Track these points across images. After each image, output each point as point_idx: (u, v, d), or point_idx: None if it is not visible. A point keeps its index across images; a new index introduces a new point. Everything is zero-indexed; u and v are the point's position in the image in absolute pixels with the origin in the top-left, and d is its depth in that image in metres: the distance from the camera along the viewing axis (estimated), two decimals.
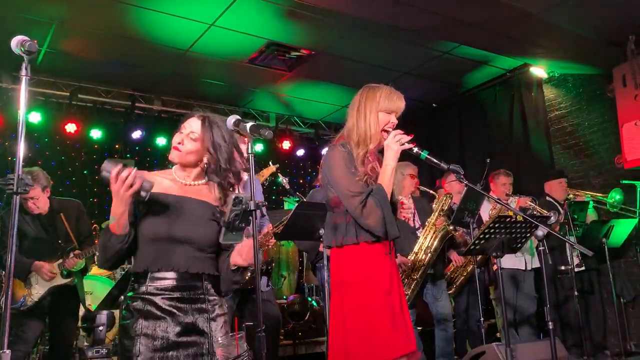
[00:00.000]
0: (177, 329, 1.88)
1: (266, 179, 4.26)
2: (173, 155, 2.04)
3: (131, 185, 1.82)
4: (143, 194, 1.86)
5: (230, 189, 2.09)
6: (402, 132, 2.35)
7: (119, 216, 1.86)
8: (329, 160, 2.40)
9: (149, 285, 1.89)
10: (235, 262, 2.00)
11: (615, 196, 5.26)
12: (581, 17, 4.71)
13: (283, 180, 4.29)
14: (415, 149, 2.33)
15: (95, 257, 4.46)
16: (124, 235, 1.88)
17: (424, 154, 2.31)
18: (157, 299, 1.88)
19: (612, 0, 4.48)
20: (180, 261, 1.93)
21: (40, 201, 3.67)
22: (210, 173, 2.07)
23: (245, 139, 1.99)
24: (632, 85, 5.13)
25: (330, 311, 2.39)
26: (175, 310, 1.89)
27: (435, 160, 2.32)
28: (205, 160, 2.05)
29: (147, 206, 1.95)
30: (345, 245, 2.36)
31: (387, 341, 2.22)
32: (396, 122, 2.40)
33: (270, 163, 4.43)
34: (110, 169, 1.83)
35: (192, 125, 2.04)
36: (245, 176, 3.68)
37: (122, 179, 1.81)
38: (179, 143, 2.02)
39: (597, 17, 4.73)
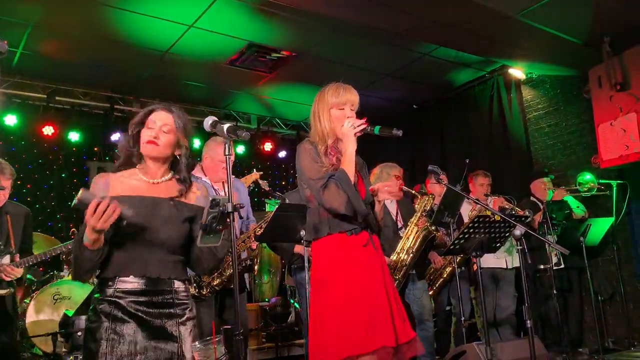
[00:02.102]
0: (145, 333, 1.86)
1: (249, 185, 4.29)
2: (149, 149, 1.99)
3: (109, 218, 1.75)
4: (122, 222, 1.81)
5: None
6: (356, 118, 2.44)
7: (94, 241, 1.81)
8: (297, 156, 2.52)
9: (117, 289, 1.88)
10: None
11: (585, 177, 5.36)
12: (557, 19, 4.78)
13: (262, 182, 4.33)
14: (369, 128, 2.43)
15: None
16: (98, 250, 1.84)
17: (377, 129, 2.42)
18: (124, 302, 1.87)
19: (587, 2, 4.55)
20: (151, 267, 1.92)
21: (6, 193, 3.55)
22: (179, 167, 2.04)
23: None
24: (607, 86, 5.21)
25: (309, 306, 2.45)
26: (142, 315, 1.88)
27: (387, 131, 2.42)
28: (178, 153, 2.02)
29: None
30: (320, 237, 2.43)
31: (362, 333, 2.25)
32: (352, 114, 2.49)
33: (254, 170, 4.48)
34: (88, 201, 1.76)
35: (163, 118, 2.01)
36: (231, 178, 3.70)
37: (99, 214, 1.74)
38: (155, 137, 1.98)
39: (572, 19, 4.81)
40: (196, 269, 2.10)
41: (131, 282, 1.89)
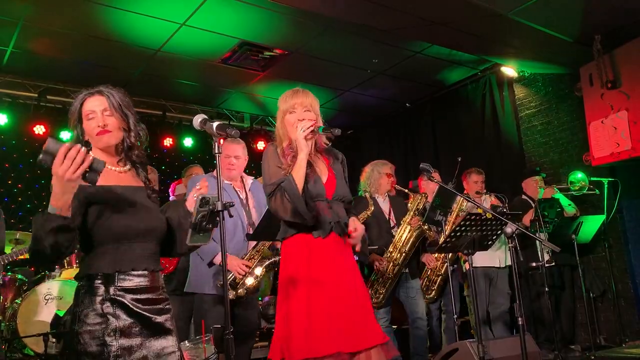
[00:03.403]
0: (148, 330, 1.82)
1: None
2: (105, 140, 1.89)
3: (80, 165, 1.56)
4: (92, 176, 1.60)
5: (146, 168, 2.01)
6: (308, 120, 2.51)
7: (61, 206, 1.62)
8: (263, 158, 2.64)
9: (118, 287, 1.79)
10: (191, 205, 1.92)
11: (577, 175, 5.39)
12: (549, 17, 4.79)
13: None
14: (314, 129, 2.52)
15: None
16: (66, 219, 1.63)
17: (320, 129, 2.53)
18: (127, 301, 1.79)
19: (578, 0, 4.57)
20: (146, 259, 1.87)
21: None
22: (128, 153, 1.96)
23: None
24: (598, 84, 5.23)
25: (277, 303, 2.54)
26: (144, 312, 1.82)
27: (327, 131, 2.53)
28: (124, 137, 1.93)
29: (98, 202, 1.80)
30: (288, 237, 2.51)
31: (319, 337, 2.29)
32: (306, 115, 2.55)
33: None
34: (57, 148, 1.55)
35: (99, 103, 1.91)
36: (250, 180, 3.69)
37: (71, 158, 1.55)
38: (104, 125, 1.88)
39: (564, 17, 4.82)
40: (171, 253, 2.04)
41: (132, 279, 1.82)
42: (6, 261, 3.69)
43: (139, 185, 1.97)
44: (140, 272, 1.84)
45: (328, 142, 2.71)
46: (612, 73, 5.14)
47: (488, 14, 4.67)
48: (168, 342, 1.87)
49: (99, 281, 1.79)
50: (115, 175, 1.93)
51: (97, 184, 1.71)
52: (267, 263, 3.44)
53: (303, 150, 2.45)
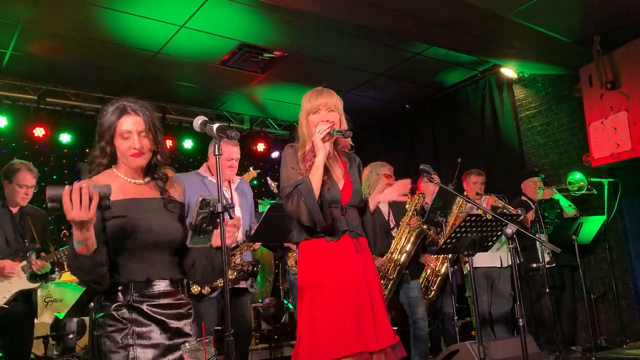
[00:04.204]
0: (166, 334, 1.86)
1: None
2: (138, 162, 1.93)
3: (90, 202, 1.62)
4: (105, 202, 1.66)
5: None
6: (325, 122, 2.50)
7: (85, 237, 1.68)
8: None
9: (134, 293, 1.84)
10: (218, 243, 1.93)
11: (575, 176, 5.40)
12: (548, 18, 4.80)
13: (272, 185, 4.35)
14: (330, 131, 2.49)
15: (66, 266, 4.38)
16: (95, 254, 1.73)
17: (335, 132, 2.48)
18: (145, 307, 1.84)
19: (577, 1, 4.57)
20: (165, 268, 1.91)
21: (31, 192, 3.66)
22: (154, 166, 1.99)
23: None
24: (597, 85, 5.23)
25: (297, 309, 2.55)
26: (162, 317, 1.86)
27: (342, 132, 2.50)
28: (152, 158, 1.97)
29: (115, 215, 1.85)
30: (302, 240, 2.51)
31: (335, 338, 2.30)
32: (330, 115, 2.54)
33: (251, 168, 4.47)
34: (60, 194, 1.59)
35: (135, 123, 1.92)
36: (237, 179, 3.70)
37: (77, 201, 1.60)
38: (140, 148, 1.91)
39: (563, 18, 4.83)
40: (189, 276, 2.05)
41: (148, 286, 1.86)
42: (54, 259, 3.76)
43: (155, 197, 1.99)
44: (157, 281, 1.89)
45: (353, 145, 2.69)
46: (612, 74, 5.14)
47: (487, 15, 4.68)
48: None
49: (117, 289, 1.85)
50: (133, 187, 1.96)
51: (115, 198, 1.77)
52: (239, 268, 3.38)
53: (320, 152, 2.45)
